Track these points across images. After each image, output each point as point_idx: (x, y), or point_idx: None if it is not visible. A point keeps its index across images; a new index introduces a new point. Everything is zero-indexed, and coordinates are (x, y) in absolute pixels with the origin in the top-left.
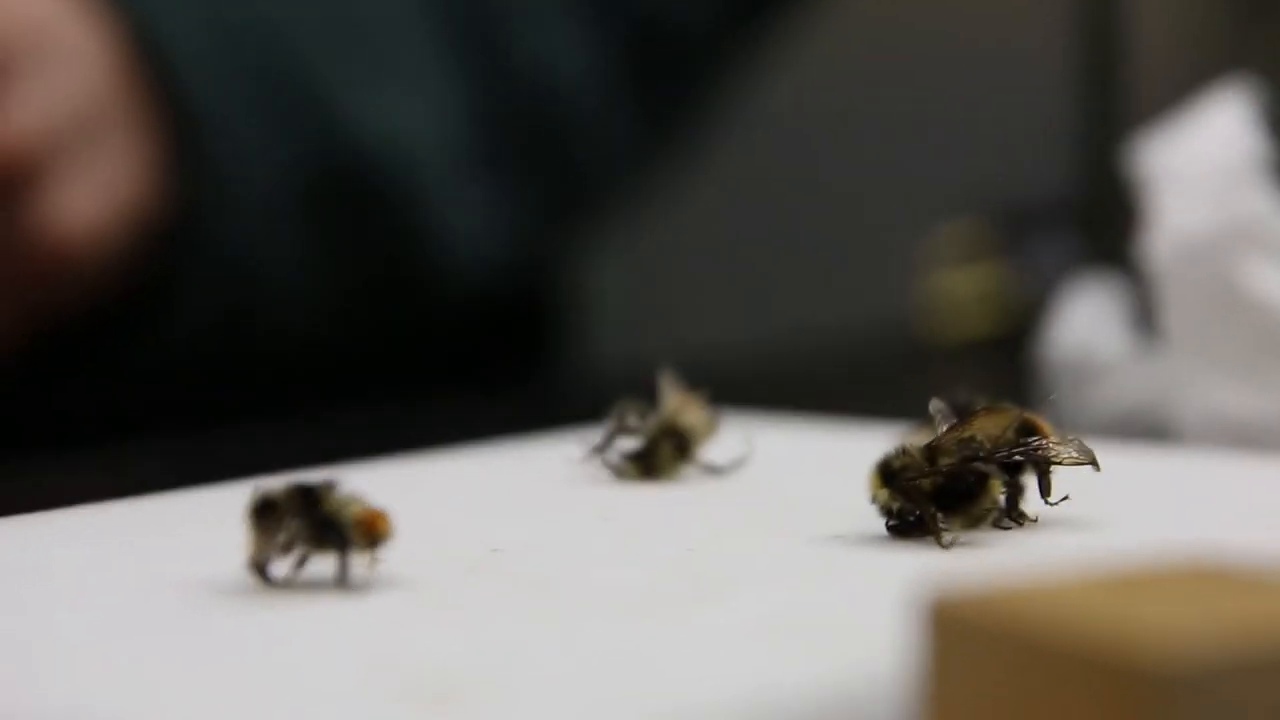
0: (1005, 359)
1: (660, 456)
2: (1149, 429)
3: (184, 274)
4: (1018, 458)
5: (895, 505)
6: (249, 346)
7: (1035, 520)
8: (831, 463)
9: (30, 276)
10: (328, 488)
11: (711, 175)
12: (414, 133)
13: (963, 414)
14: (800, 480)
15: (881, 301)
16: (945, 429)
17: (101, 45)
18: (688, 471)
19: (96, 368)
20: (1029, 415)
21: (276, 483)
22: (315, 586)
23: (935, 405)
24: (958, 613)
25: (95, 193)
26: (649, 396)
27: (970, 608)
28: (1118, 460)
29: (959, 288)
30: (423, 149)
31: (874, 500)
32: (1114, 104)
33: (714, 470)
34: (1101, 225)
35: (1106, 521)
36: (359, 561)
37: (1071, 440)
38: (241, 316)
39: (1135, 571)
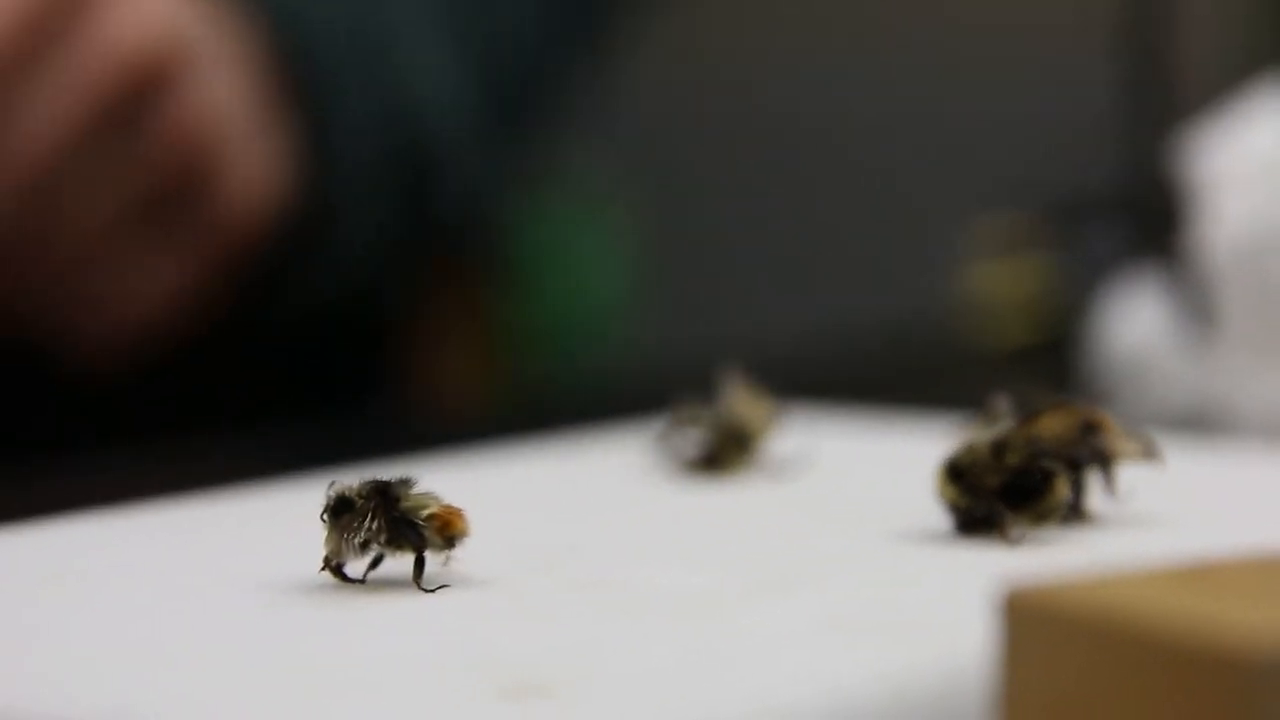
0: (1054, 355)
1: (723, 453)
2: (1205, 424)
3: (304, 258)
4: (1084, 455)
5: (962, 503)
6: (347, 330)
7: (1101, 517)
8: (894, 459)
9: (206, 267)
10: (404, 485)
11: (757, 172)
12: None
13: (1027, 411)
14: (864, 477)
15: (928, 295)
16: (1011, 426)
17: (244, 50)
18: (750, 468)
19: (225, 358)
20: (1094, 412)
21: (352, 480)
22: (391, 584)
23: (1000, 402)
24: (1034, 604)
25: (249, 187)
26: (707, 392)
27: (1046, 599)
28: (1178, 456)
29: (1008, 281)
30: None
31: (941, 497)
32: (1162, 96)
33: (777, 467)
34: (1151, 218)
35: (1170, 517)
36: (435, 559)
37: (1136, 436)
38: (345, 299)
39: (1206, 564)
